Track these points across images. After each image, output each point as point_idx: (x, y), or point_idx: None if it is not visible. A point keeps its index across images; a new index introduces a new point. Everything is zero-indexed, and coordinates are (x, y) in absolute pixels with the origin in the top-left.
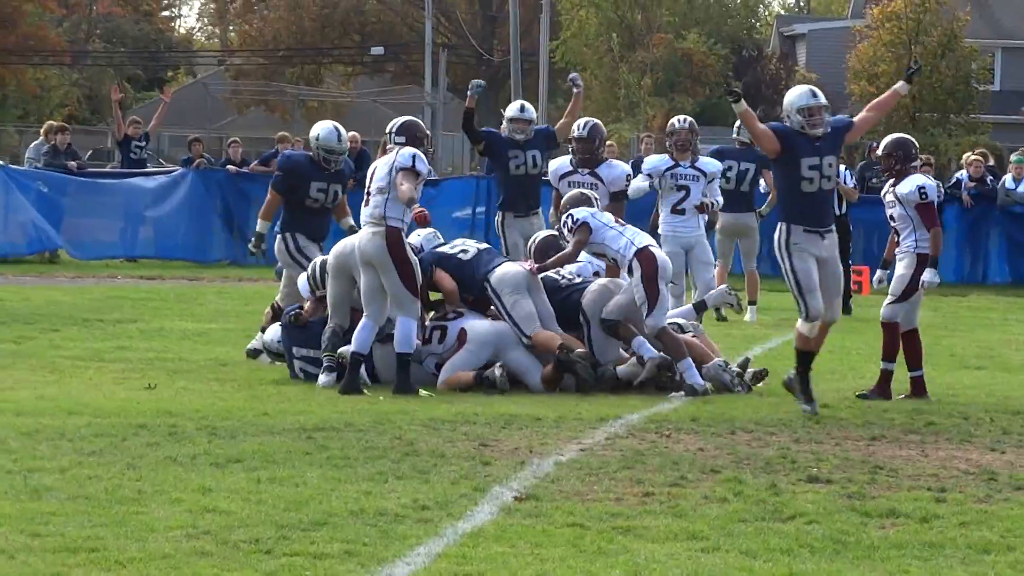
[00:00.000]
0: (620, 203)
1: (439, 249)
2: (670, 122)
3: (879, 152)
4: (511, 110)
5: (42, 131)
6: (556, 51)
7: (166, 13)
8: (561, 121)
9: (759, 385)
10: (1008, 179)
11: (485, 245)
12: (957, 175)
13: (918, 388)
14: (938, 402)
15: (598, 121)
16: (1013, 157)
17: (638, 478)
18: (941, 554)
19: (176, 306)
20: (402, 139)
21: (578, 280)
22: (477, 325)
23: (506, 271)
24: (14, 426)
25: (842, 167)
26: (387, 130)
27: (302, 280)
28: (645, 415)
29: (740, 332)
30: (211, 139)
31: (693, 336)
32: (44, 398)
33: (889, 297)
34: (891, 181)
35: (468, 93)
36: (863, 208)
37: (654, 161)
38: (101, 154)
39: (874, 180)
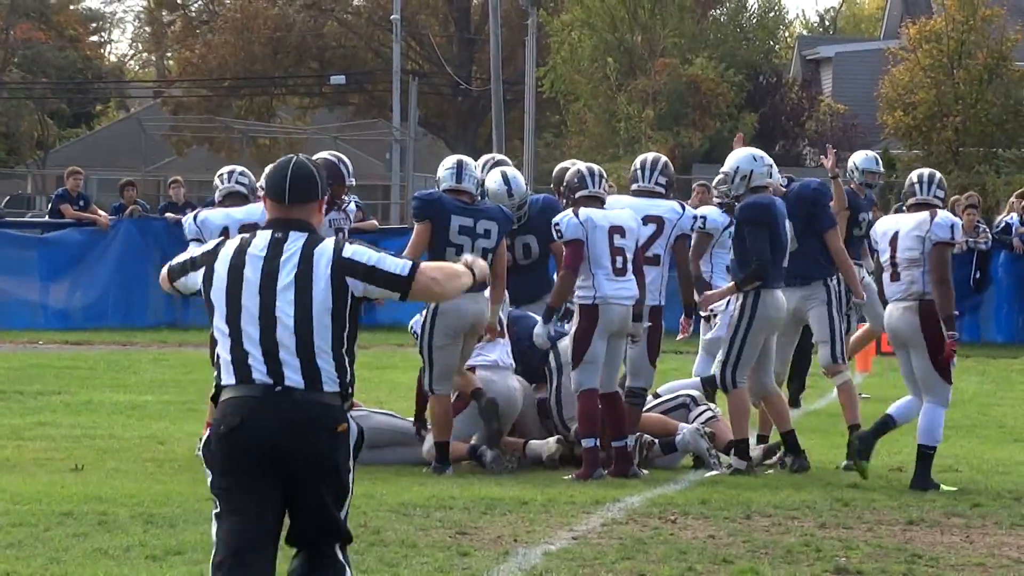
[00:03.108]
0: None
1: None
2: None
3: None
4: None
5: None
6: (544, 79)
7: (94, 38)
8: None
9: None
10: None
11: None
12: (1007, 218)
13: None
14: (985, 481)
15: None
16: None
17: (640, 570)
18: None
19: (106, 375)
20: (941, 194)
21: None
22: (492, 382)
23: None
24: None
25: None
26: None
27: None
28: (647, 497)
29: None
30: (147, 183)
31: (710, 417)
32: None
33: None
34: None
35: None
36: None
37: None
38: (19, 201)
39: None
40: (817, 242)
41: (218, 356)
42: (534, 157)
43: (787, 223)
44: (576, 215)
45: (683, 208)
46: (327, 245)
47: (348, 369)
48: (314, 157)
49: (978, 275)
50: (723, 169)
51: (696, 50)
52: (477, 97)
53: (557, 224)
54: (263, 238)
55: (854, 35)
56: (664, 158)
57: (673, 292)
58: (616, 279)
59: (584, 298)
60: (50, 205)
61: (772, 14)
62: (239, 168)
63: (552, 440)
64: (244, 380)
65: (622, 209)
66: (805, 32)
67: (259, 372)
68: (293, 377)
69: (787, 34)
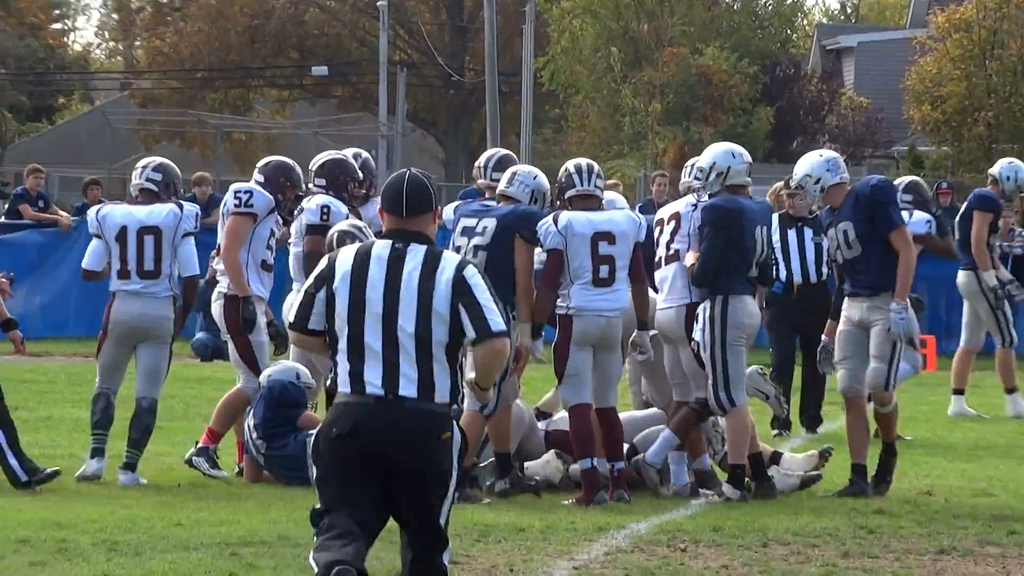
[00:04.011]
0: None
1: None
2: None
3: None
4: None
5: None
6: (543, 70)
7: (57, 26)
8: None
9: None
10: None
11: None
12: None
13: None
14: (1022, 506)
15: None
16: None
17: None
18: None
19: (67, 390)
20: None
21: None
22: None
23: None
24: None
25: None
26: None
27: None
28: (655, 524)
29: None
30: (112, 181)
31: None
32: None
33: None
34: None
35: None
36: (931, 263)
37: None
38: None
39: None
40: (883, 248)
41: (335, 364)
42: (531, 154)
43: (761, 229)
44: (555, 222)
45: (699, 198)
46: (449, 259)
47: (458, 380)
48: (330, 155)
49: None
50: (699, 164)
51: (707, 39)
52: (470, 90)
53: (537, 231)
54: (383, 248)
55: (878, 24)
56: (697, 161)
57: None
58: (595, 289)
59: (559, 307)
60: (7, 205)
61: (789, 1)
62: (156, 161)
63: (552, 456)
64: (359, 391)
65: (619, 210)
66: (825, 20)
67: (373, 385)
68: (408, 387)
69: (806, 22)
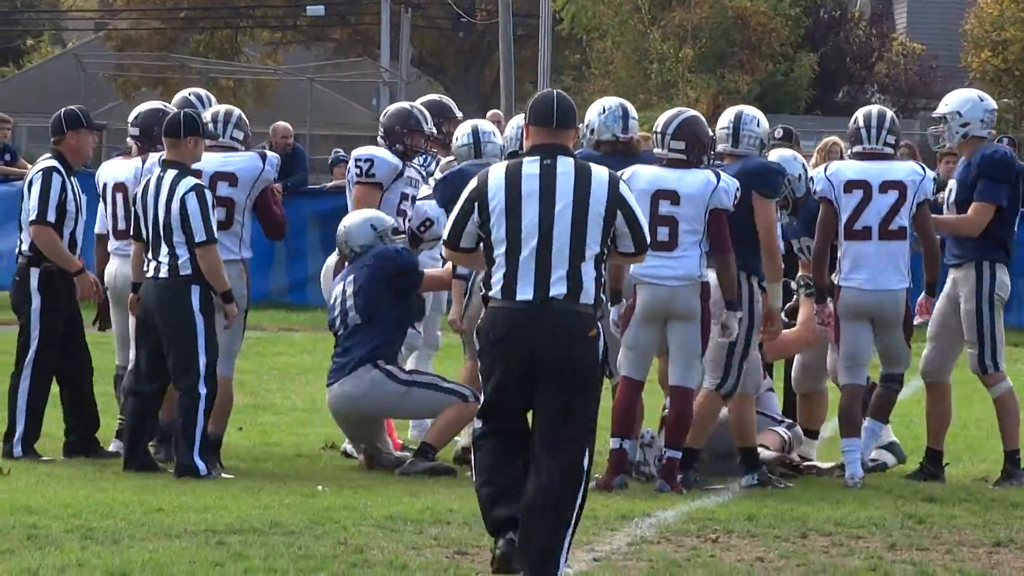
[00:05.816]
0: None
1: None
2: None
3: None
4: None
5: None
6: (563, 12)
7: None
8: None
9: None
10: None
11: None
12: None
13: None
14: None
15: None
16: None
17: None
18: None
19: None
20: None
21: None
22: None
23: None
24: None
25: None
26: None
27: None
28: (683, 512)
29: None
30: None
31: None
32: None
33: None
34: None
35: None
36: None
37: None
38: None
39: None
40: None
41: (490, 274)
42: None
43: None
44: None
45: (924, 170)
46: (600, 172)
47: (604, 285)
48: (394, 106)
49: None
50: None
51: None
52: (482, 33)
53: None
54: (532, 164)
55: None
56: (890, 112)
57: None
58: (654, 254)
59: (630, 275)
60: None
61: None
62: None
63: None
64: (511, 298)
65: (698, 170)
66: None
67: (525, 293)
68: (558, 289)
69: None
